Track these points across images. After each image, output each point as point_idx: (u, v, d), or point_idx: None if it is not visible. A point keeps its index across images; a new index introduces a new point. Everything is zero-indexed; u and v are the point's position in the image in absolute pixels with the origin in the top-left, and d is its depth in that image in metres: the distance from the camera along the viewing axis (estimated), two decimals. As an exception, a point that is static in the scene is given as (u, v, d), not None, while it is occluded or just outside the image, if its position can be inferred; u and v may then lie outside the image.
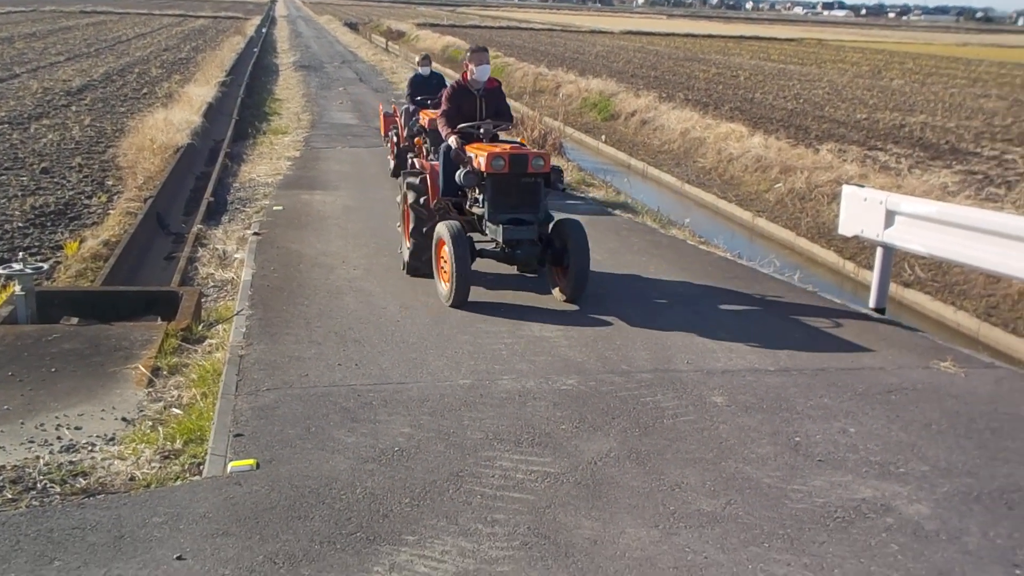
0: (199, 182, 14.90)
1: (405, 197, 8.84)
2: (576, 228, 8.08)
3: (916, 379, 6.59)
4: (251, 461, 5.03)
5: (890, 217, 8.41)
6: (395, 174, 12.86)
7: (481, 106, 8.86)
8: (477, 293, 8.13)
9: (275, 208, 11.97)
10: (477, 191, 8.14)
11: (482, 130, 8.62)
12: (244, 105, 23.25)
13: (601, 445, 5.36)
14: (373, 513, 4.53)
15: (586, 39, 62.81)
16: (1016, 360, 8.28)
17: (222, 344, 7.16)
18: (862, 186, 9.58)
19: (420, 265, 8.58)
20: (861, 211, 8.75)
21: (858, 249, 11.65)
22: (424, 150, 11.89)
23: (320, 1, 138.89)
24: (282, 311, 7.73)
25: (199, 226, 11.49)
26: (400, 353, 6.80)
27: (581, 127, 23.43)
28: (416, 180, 8.82)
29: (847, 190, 9.10)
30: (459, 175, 7.98)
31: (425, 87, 13.76)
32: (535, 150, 8.54)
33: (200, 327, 7.67)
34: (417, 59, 14.81)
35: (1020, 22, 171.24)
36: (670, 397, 6.10)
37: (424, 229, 8.42)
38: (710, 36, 72.87)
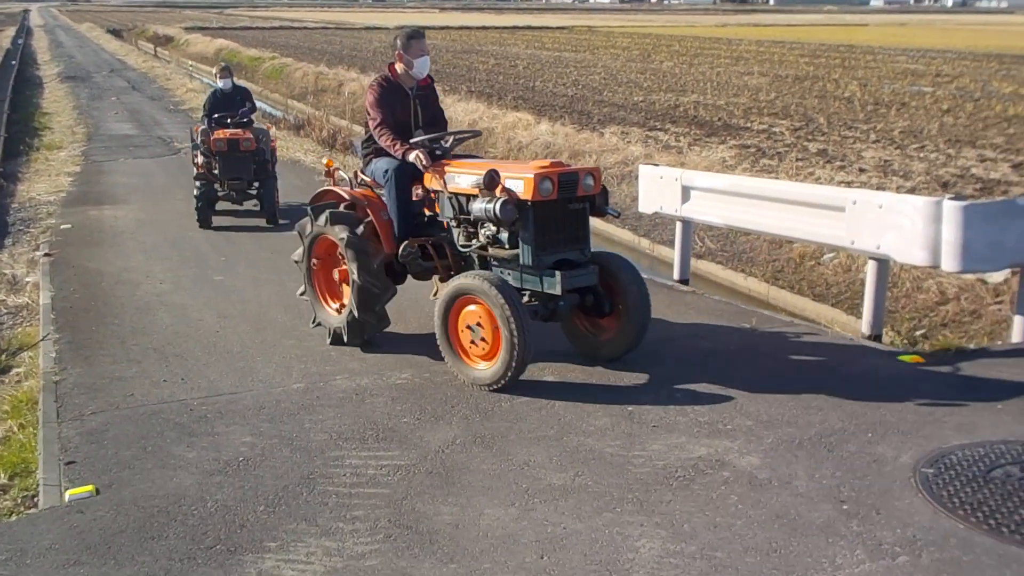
0: (-29, 205, 13.97)
1: (313, 246, 7.14)
2: (627, 265, 6.56)
3: (728, 342, 7.03)
4: (90, 487, 4.84)
5: (686, 192, 8.89)
6: (202, 220, 11.33)
7: (416, 110, 7.01)
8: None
9: (63, 226, 11.42)
10: (490, 226, 6.27)
11: (448, 143, 6.91)
12: (11, 121, 21.86)
13: (446, 433, 5.46)
14: (229, 524, 4.47)
15: (362, 36, 62.37)
16: (804, 317, 8.91)
17: (31, 372, 6.83)
18: (656, 165, 10.06)
19: (372, 327, 6.87)
20: (658, 189, 9.20)
21: (651, 226, 12.18)
22: (209, 170, 11.42)
23: (78, 9, 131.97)
24: (92, 332, 7.42)
25: (-20, 251, 10.80)
26: (226, 363, 6.68)
27: (370, 124, 23.31)
28: (349, 221, 6.75)
29: (644, 169, 9.54)
30: (495, 207, 5.97)
31: (226, 103, 12.04)
32: (582, 165, 6.81)
33: (3, 357, 7.27)
34: (215, 71, 12.70)
35: (771, 2, 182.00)
36: (503, 381, 6.25)
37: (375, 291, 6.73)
38: (484, 28, 73.83)
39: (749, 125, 19.85)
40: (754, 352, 6.81)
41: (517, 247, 6.15)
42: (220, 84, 12.25)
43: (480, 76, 31.93)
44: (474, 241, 6.43)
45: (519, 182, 6.02)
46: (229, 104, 12.02)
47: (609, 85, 28.74)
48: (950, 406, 5.75)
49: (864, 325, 7.58)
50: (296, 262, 7.38)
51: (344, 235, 6.61)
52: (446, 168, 6.52)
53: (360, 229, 6.68)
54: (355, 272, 6.57)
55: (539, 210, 6.02)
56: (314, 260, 7.17)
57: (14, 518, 4.75)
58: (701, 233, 11.49)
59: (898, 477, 4.83)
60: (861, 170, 14.53)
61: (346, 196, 6.98)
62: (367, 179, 7.05)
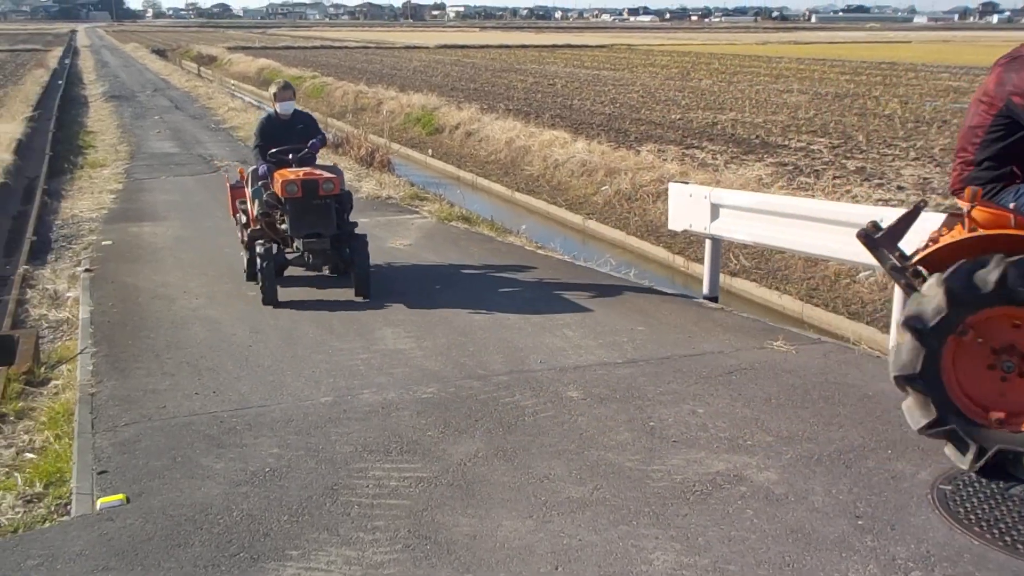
0: (17, 222, 14.30)
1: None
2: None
3: (753, 359, 7.05)
4: (120, 496, 4.98)
5: (715, 210, 8.93)
6: (250, 275, 9.33)
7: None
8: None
9: (104, 243, 11.65)
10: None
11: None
12: (56, 139, 22.38)
13: (468, 447, 5.54)
14: (253, 533, 4.58)
15: (402, 55, 63.01)
16: (838, 335, 8.89)
17: (69, 384, 6.99)
18: (687, 183, 10.11)
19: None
20: (688, 206, 9.24)
21: (685, 244, 12.22)
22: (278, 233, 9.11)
23: (124, 29, 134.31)
24: (128, 346, 7.59)
25: (24, 267, 11.06)
26: (257, 377, 6.80)
27: (407, 142, 23.59)
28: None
29: (673, 187, 9.59)
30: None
31: (284, 133, 9.39)
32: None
33: (42, 369, 7.45)
34: (272, 90, 9.62)
35: (813, 19, 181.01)
36: (528, 396, 6.33)
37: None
38: (524, 46, 74.27)
39: (787, 143, 19.83)
40: (778, 369, 6.82)
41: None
42: (277, 108, 9.44)
43: (518, 94, 32.13)
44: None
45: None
46: (287, 134, 9.40)
47: (647, 103, 28.81)
48: (973, 424, 5.72)
49: (891, 342, 7.56)
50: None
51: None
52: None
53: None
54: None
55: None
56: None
57: (47, 525, 4.89)
58: (735, 251, 11.51)
59: (915, 493, 4.85)
60: (900, 188, 14.48)
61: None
62: None
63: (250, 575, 4.21)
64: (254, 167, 9.42)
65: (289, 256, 9.20)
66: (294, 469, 5.28)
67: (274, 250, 8.79)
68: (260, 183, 9.16)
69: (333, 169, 9.44)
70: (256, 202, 9.22)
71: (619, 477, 5.10)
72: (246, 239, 9.38)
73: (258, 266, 8.75)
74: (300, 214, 8.68)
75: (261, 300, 8.60)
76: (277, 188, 8.80)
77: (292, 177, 8.66)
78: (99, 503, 4.91)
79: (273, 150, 9.25)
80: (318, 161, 9.70)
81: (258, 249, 8.75)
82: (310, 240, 8.76)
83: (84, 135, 23.84)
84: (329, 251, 8.92)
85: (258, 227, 9.21)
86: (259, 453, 5.51)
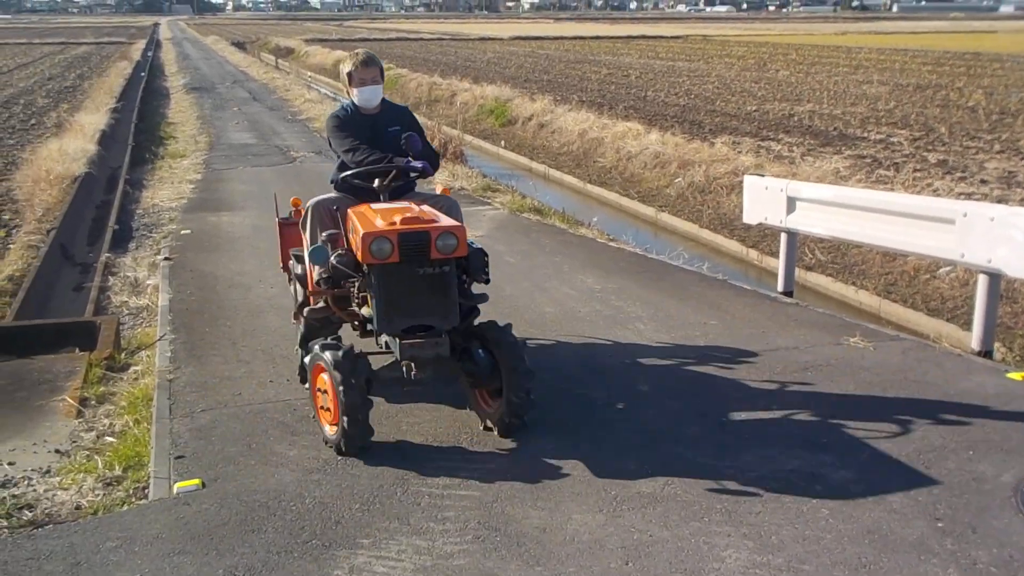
0: (100, 211, 14.65)
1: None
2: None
3: (829, 355, 6.92)
4: (196, 481, 5.07)
5: (791, 203, 8.79)
6: (303, 377, 6.02)
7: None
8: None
9: (183, 232, 11.86)
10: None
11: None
12: (138, 130, 22.88)
13: (539, 440, 5.52)
14: (325, 521, 4.63)
15: (476, 47, 63.14)
16: (917, 332, 8.70)
17: (148, 370, 7.13)
18: (762, 175, 9.96)
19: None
20: (763, 199, 9.11)
21: (760, 237, 12.05)
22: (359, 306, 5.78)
23: (204, 23, 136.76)
24: (205, 333, 7.72)
25: (106, 255, 11.32)
26: (330, 366, 6.86)
27: (479, 134, 23.64)
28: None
29: (748, 180, 9.46)
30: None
31: (368, 138, 6.11)
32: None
33: (123, 355, 7.61)
34: (347, 67, 6.24)
35: (894, 8, 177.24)
36: (599, 389, 6.30)
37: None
38: (598, 37, 73.87)
39: (866, 135, 19.44)
40: (855, 366, 6.69)
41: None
42: (355, 96, 6.23)
43: (592, 86, 31.99)
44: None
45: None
46: (374, 138, 6.12)
47: (722, 94, 28.48)
48: (1059, 426, 5.56)
49: (974, 341, 7.38)
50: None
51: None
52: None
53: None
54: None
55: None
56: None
57: (125, 508, 4.99)
58: (811, 245, 11.33)
59: (997, 496, 4.72)
60: (983, 181, 14.11)
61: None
62: None
63: (322, 562, 4.26)
64: (317, 200, 6.17)
65: (390, 373, 5.53)
66: (366, 458, 5.32)
67: (359, 359, 5.32)
68: (326, 237, 5.64)
69: (445, 204, 6.11)
70: (317, 267, 5.73)
71: (690, 472, 5.04)
72: (302, 324, 6.16)
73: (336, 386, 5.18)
74: (396, 293, 5.22)
75: (336, 449, 5.37)
76: (355, 244, 5.38)
77: (383, 228, 5.18)
78: (176, 487, 5.00)
79: (346, 173, 6.05)
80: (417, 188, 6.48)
81: (327, 356, 5.22)
82: (415, 343, 5.21)
83: (165, 126, 24.33)
84: (447, 358, 5.34)
85: (321, 306, 5.99)
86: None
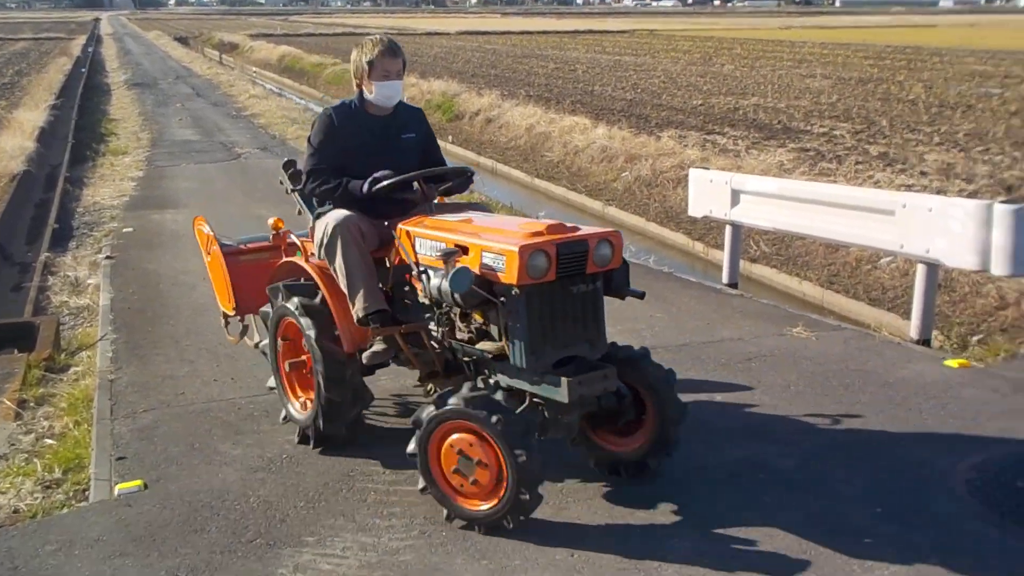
0: (39, 209, 14.38)
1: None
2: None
3: (772, 346, 7.00)
4: (138, 482, 5.00)
5: (736, 196, 8.87)
6: (319, 441, 5.39)
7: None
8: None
9: (125, 230, 11.70)
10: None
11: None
12: (79, 127, 22.50)
13: (485, 433, 5.51)
14: (270, 519, 4.59)
15: (423, 41, 62.87)
16: (859, 322, 8.82)
17: (89, 371, 7.02)
18: (707, 169, 10.04)
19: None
20: (708, 193, 9.19)
21: (705, 230, 12.14)
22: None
23: (147, 17, 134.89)
24: (148, 332, 7.62)
25: (46, 254, 11.13)
26: (275, 363, 6.80)
27: (428, 129, 23.50)
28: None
29: (694, 173, 9.53)
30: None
31: (379, 144, 5.23)
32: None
33: (63, 356, 7.49)
34: (366, 55, 5.17)
35: (837, 3, 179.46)
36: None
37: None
38: (545, 32, 73.89)
39: (809, 128, 19.65)
40: (798, 356, 6.78)
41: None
42: (374, 92, 5.18)
43: (539, 80, 32.00)
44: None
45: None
46: (381, 145, 5.22)
47: (668, 89, 28.64)
48: (994, 411, 5.69)
49: (913, 329, 7.51)
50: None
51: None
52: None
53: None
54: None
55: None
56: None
57: (65, 511, 4.92)
58: (756, 237, 11.43)
59: (937, 481, 4.80)
60: (923, 173, 14.31)
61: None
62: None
63: (266, 561, 4.22)
64: (345, 217, 4.97)
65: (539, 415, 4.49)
66: (311, 456, 5.29)
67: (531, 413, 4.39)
68: (442, 254, 4.47)
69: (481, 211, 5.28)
70: (444, 291, 4.41)
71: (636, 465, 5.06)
72: (354, 369, 5.17)
73: (514, 463, 4.15)
74: (549, 318, 4.38)
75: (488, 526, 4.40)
76: (482, 261, 4.36)
77: (536, 240, 4.29)
78: (117, 489, 4.94)
79: (384, 183, 4.99)
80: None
81: (485, 416, 4.18)
82: (583, 379, 4.35)
83: (106, 123, 23.95)
84: (613, 388, 4.56)
85: (382, 348, 5.22)
86: (276, 440, 5.51)
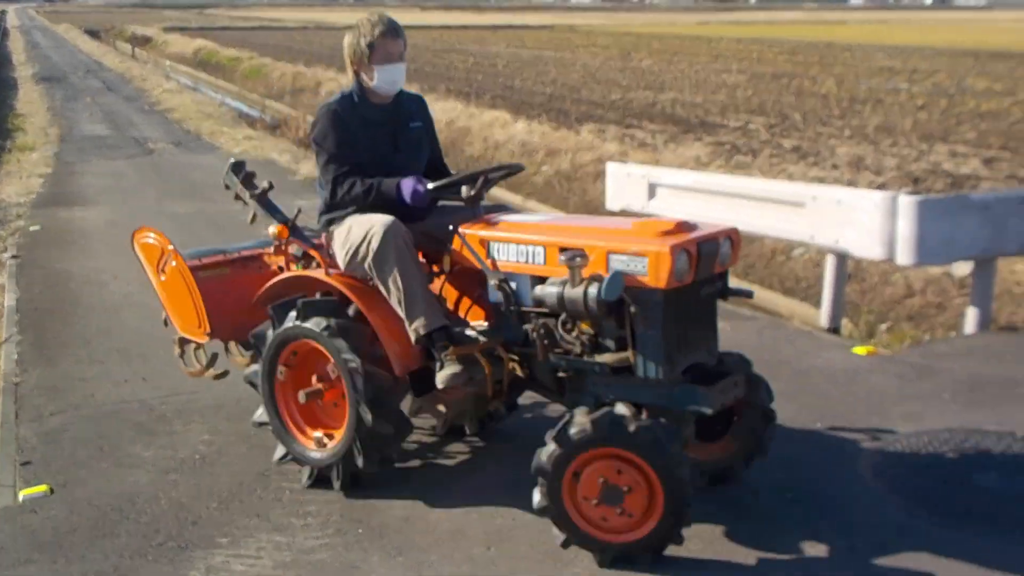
0: (-58, 208, 13.94)
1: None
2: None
3: (687, 337, 7.08)
4: (44, 487, 4.88)
5: (652, 189, 8.96)
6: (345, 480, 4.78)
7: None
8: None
9: (32, 228, 11.40)
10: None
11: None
12: (-16, 123, 21.86)
13: (402, 429, 5.49)
14: (182, 521, 4.51)
15: (341, 36, 61.97)
16: (773, 311, 8.98)
17: (-8, 374, 6.83)
18: (625, 162, 10.13)
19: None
20: (626, 186, 9.27)
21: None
22: None
23: (56, 10, 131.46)
24: (57, 333, 7.43)
25: (-52, 254, 10.79)
26: (189, 363, 6.68)
27: (347, 124, 23.30)
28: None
29: (611, 167, 9.61)
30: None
31: (385, 136, 4.76)
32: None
33: (-35, 359, 7.27)
34: (365, 37, 4.78)
35: (752, 0, 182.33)
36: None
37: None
38: (464, 27, 73.88)
39: (725, 122, 19.95)
40: (713, 346, 6.86)
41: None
42: (375, 79, 4.73)
43: (459, 75, 31.95)
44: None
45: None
46: (392, 136, 4.77)
47: (588, 83, 28.82)
48: (898, 396, 5.85)
49: (823, 318, 7.67)
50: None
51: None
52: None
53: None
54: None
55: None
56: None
57: (-34, 519, 4.77)
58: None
59: (841, 466, 4.92)
60: (834, 166, 14.63)
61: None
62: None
63: (177, 564, 4.15)
64: (392, 223, 4.44)
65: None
66: (225, 455, 5.21)
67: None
68: (567, 259, 3.98)
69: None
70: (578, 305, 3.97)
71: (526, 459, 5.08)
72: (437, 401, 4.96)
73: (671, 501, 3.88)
74: (681, 324, 4.09)
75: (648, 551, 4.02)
76: (657, 266, 3.88)
77: (676, 240, 3.95)
78: (21, 495, 4.81)
79: (436, 184, 4.52)
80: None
81: (641, 435, 3.82)
82: (724, 386, 4.23)
83: (13, 118, 23.26)
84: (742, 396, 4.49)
85: (459, 370, 4.40)
86: (189, 440, 5.42)
